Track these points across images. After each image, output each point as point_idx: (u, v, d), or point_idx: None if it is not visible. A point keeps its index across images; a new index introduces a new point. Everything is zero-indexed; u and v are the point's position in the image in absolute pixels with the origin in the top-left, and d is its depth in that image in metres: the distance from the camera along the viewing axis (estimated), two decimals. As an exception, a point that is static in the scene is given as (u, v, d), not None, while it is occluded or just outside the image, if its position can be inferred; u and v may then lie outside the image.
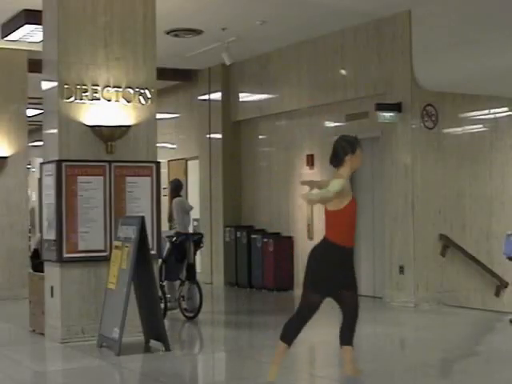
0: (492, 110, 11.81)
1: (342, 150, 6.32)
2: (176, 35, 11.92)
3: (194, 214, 15.42)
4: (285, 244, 13.25)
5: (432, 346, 8.46)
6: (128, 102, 8.86)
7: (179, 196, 10.85)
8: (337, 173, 6.34)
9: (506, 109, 11.87)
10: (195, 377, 7.80)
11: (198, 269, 11.59)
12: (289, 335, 6.35)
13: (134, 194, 8.81)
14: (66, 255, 8.50)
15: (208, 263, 14.68)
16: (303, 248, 13.06)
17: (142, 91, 8.93)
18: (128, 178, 8.81)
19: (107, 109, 8.75)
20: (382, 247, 11.64)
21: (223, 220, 14.38)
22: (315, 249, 6.38)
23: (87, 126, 8.65)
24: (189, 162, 15.86)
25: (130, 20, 8.89)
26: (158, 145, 9.21)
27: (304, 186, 6.65)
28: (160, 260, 9.47)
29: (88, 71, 8.69)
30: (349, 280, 6.36)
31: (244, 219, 14.40)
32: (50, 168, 8.69)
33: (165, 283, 10.13)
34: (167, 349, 7.98)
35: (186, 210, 10.77)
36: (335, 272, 6.25)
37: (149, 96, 8.97)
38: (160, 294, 9.31)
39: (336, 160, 6.36)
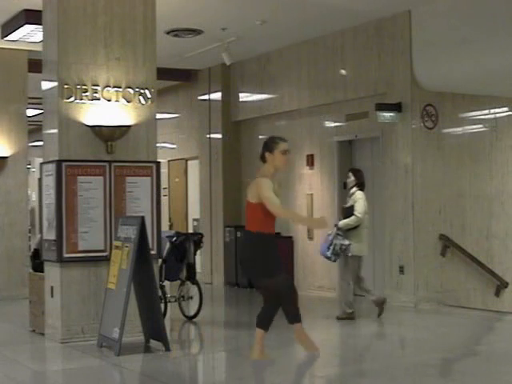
0: (492, 110, 11.80)
1: (263, 146, 7.35)
2: (176, 35, 11.91)
3: (194, 213, 15.49)
4: (285, 244, 13.22)
5: (432, 346, 8.46)
6: (128, 101, 8.86)
7: None
8: (261, 168, 7.29)
9: (506, 109, 11.87)
10: (195, 377, 7.79)
11: (198, 269, 11.58)
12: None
13: (134, 193, 8.81)
14: (66, 255, 8.50)
15: (208, 263, 14.67)
16: (303, 248, 13.07)
17: (142, 91, 8.93)
18: (128, 178, 8.81)
19: (107, 109, 8.74)
20: (381, 247, 11.64)
21: (223, 220, 14.37)
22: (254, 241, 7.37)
23: (87, 125, 8.65)
24: (189, 162, 15.87)
25: (129, 20, 8.89)
26: (158, 145, 9.22)
27: None
28: (160, 260, 9.46)
29: (88, 71, 8.69)
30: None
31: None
32: (50, 168, 8.70)
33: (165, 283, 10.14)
34: (167, 349, 7.98)
35: None
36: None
37: (149, 96, 8.97)
38: (160, 293, 9.30)
39: (260, 155, 7.44)
